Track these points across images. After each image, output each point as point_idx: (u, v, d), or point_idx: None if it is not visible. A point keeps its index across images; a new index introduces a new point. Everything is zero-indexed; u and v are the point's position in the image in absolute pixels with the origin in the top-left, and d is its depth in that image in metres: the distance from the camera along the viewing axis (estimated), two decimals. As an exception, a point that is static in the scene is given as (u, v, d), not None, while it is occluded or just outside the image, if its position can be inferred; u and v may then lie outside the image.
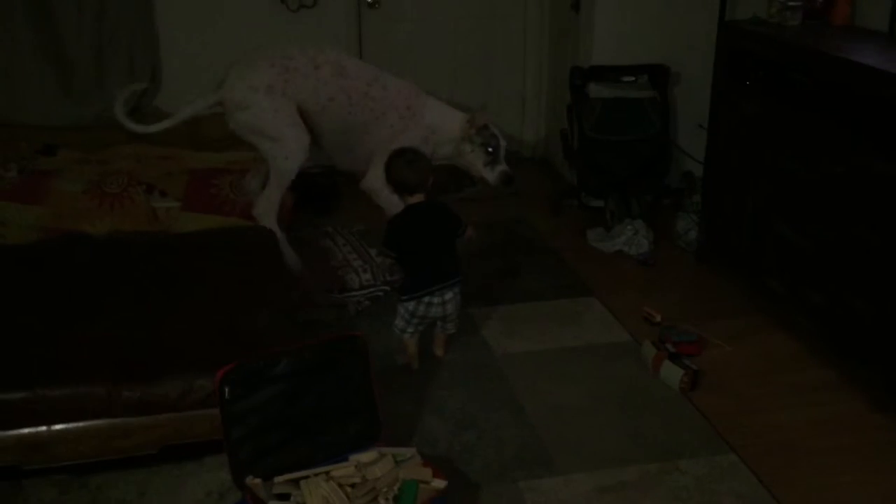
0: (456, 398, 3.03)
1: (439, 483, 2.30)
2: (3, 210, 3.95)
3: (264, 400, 2.35)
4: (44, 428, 2.29)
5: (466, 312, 3.43)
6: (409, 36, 5.14)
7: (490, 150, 3.70)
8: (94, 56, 4.75)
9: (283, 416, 2.38)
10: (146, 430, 2.37)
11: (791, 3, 3.54)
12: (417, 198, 3.12)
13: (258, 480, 2.27)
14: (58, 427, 2.30)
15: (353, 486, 2.26)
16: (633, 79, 4.33)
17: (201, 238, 3.33)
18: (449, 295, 3.10)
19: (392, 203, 3.56)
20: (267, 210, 3.78)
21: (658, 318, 3.49)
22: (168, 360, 2.42)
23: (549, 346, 3.36)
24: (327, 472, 2.31)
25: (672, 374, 3.08)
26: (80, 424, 2.32)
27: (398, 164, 3.13)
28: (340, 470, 2.31)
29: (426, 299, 3.07)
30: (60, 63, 4.74)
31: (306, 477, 2.30)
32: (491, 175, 3.73)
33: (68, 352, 2.41)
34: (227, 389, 2.29)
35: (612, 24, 4.52)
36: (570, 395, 3.06)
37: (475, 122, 3.70)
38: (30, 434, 2.30)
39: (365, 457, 2.37)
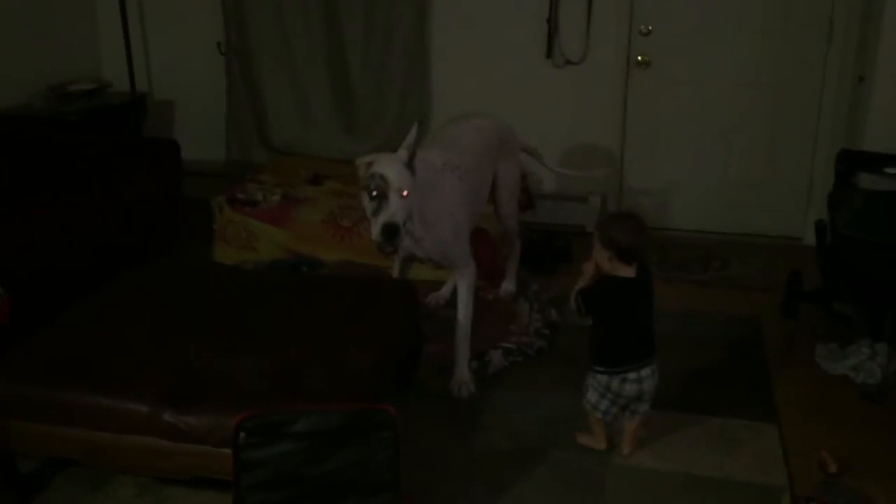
0: (533, 496, 2.72)
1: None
2: (258, 229, 4.49)
3: (280, 454, 2.33)
4: (95, 433, 2.50)
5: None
6: (678, 100, 4.76)
7: (374, 194, 2.80)
8: (374, 99, 5.11)
9: (297, 475, 2.34)
10: (180, 456, 2.48)
11: None
12: (631, 271, 2.73)
13: (249, 532, 2.27)
14: (105, 435, 2.50)
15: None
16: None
17: (361, 286, 3.32)
18: (646, 371, 2.79)
19: (468, 303, 3.27)
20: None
21: (833, 469, 2.81)
22: (208, 394, 2.50)
23: (677, 470, 2.87)
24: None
25: (797, 541, 2.47)
26: (122, 437, 2.49)
27: (624, 227, 2.71)
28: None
29: (620, 375, 2.78)
30: (346, 103, 5.17)
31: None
32: (373, 229, 2.85)
33: (125, 366, 2.59)
34: (242, 435, 2.32)
35: (896, 103, 3.79)
36: (666, 534, 2.60)
37: (359, 161, 2.88)
38: (88, 436, 2.51)
39: (370, 535, 2.28)
